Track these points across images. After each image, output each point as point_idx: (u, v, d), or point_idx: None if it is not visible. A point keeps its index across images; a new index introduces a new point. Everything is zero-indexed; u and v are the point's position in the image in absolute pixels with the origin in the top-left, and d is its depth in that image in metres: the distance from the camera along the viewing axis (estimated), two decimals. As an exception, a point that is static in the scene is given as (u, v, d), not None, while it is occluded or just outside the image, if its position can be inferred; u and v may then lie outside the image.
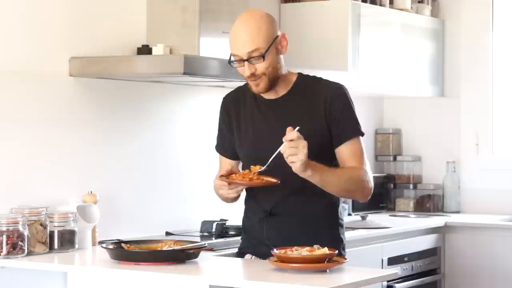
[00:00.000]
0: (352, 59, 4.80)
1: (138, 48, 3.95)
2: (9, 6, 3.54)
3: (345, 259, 2.94)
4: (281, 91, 3.12)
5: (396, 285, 4.54)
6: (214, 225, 4.07)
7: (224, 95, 3.29)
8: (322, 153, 3.04)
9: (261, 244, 3.12)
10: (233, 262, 3.22)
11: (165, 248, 3.14)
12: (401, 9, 5.27)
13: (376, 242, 4.48)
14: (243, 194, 3.15)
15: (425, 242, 4.86)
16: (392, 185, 5.71)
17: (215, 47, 3.89)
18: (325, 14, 4.88)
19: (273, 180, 2.97)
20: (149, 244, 3.21)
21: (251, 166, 3.01)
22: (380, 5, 5.15)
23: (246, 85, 3.16)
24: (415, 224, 4.90)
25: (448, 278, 4.99)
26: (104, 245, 3.18)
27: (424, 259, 4.82)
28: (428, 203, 5.58)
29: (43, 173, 3.63)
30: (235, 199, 3.16)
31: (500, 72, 5.53)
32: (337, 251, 2.92)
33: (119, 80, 3.93)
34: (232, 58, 3.03)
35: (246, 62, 3.00)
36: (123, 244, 3.18)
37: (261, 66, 3.01)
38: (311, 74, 3.20)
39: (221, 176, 3.02)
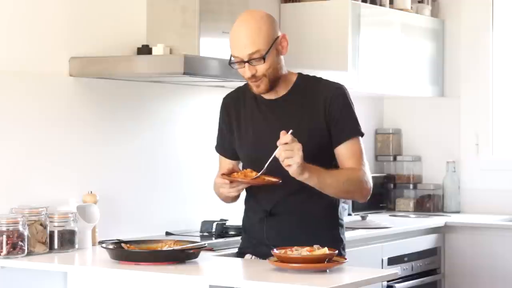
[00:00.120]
0: (352, 59, 4.80)
1: (138, 48, 3.95)
2: (9, 6, 3.54)
3: (345, 259, 2.94)
4: (281, 91, 3.12)
5: (396, 285, 4.54)
6: (214, 225, 4.07)
7: (224, 95, 3.29)
8: (322, 153, 3.05)
9: (261, 244, 3.12)
10: (233, 262, 3.22)
11: (165, 248, 3.14)
12: (401, 9, 5.27)
13: (376, 242, 4.48)
14: (243, 194, 3.15)
15: (425, 242, 4.86)
16: (392, 185, 5.71)
17: (215, 47, 3.89)
18: (325, 14, 4.88)
19: (274, 179, 2.97)
20: (149, 244, 3.21)
21: (246, 170, 3.01)
22: (380, 5, 5.15)
23: (246, 85, 3.16)
24: (415, 224, 4.90)
25: (448, 278, 4.99)
26: (104, 245, 3.18)
27: (424, 259, 4.82)
28: (428, 203, 5.58)
29: (43, 173, 3.63)
30: (235, 198, 3.16)
31: (500, 72, 5.53)
32: (337, 251, 2.92)
33: (119, 80, 3.93)
34: (233, 59, 3.03)
35: (246, 64, 3.00)
36: (123, 244, 3.18)
37: (261, 68, 3.01)
38: (311, 74, 3.20)
39: (223, 174, 3.02)
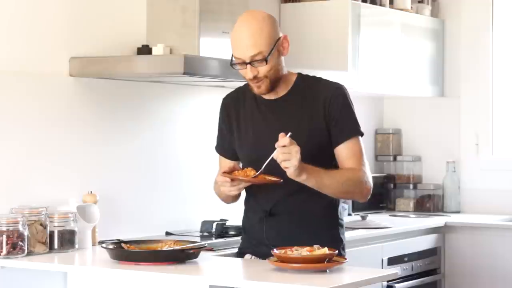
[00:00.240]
0: (352, 59, 4.80)
1: (138, 48, 3.95)
2: (9, 6, 3.54)
3: (345, 259, 2.94)
4: (281, 91, 3.11)
5: (396, 285, 4.54)
6: (214, 225, 4.07)
7: (224, 95, 3.29)
8: (322, 153, 3.05)
9: (261, 244, 3.12)
10: (233, 262, 3.22)
11: (165, 248, 3.14)
12: (401, 9, 5.27)
13: (376, 242, 4.48)
14: (243, 194, 3.15)
15: (425, 242, 4.86)
16: (392, 185, 5.71)
17: (215, 47, 3.89)
18: (325, 14, 4.88)
19: (275, 178, 2.97)
20: (149, 244, 3.21)
21: (247, 169, 3.01)
22: (380, 5, 5.15)
23: (246, 85, 3.16)
24: (415, 224, 4.90)
25: (448, 278, 4.99)
26: (104, 245, 3.18)
27: (424, 259, 4.82)
28: (428, 203, 5.58)
29: (43, 173, 3.63)
30: (235, 198, 3.16)
31: (500, 72, 5.53)
32: (337, 251, 2.92)
33: (119, 80, 3.93)
34: (234, 60, 3.02)
35: (248, 65, 2.99)
36: (123, 244, 3.18)
37: (263, 69, 3.00)
38: (311, 74, 3.19)
39: (224, 172, 3.02)
